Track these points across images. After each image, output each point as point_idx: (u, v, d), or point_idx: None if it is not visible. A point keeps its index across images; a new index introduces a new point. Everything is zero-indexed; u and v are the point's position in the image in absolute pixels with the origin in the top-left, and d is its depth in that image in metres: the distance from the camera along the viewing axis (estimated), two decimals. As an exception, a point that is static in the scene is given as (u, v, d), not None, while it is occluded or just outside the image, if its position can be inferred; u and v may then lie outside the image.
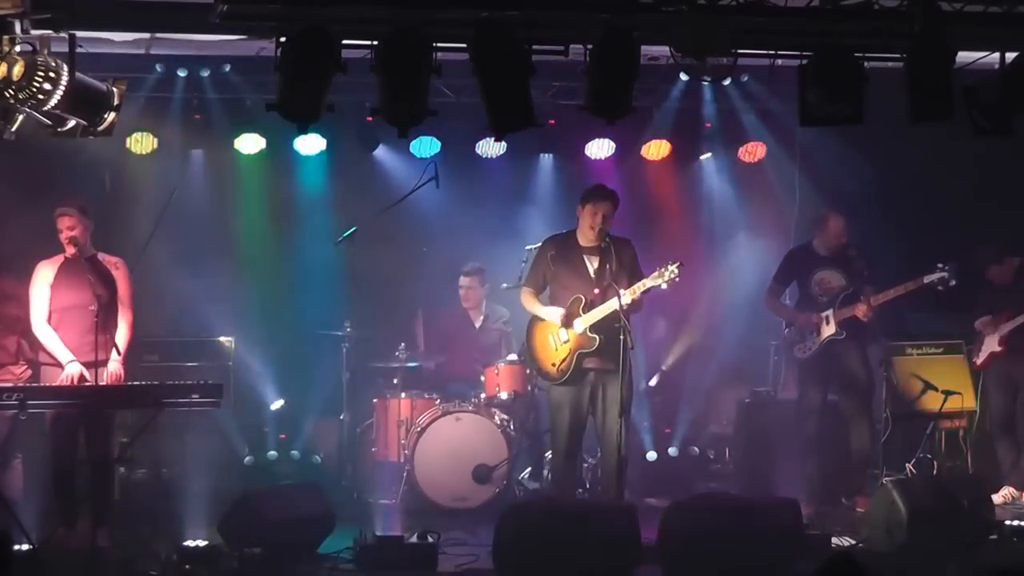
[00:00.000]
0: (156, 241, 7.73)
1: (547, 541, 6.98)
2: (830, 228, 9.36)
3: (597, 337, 8.04)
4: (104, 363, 7.70)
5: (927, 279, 9.04)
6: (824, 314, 9.20)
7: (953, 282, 9.00)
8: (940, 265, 9.01)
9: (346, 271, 10.12)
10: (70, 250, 7.86)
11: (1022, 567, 7.00)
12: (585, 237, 8.20)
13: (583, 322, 8.12)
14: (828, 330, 9.19)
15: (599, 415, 8.17)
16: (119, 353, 7.84)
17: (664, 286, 7.98)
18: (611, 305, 7.94)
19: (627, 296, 7.89)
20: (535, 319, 8.31)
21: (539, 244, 8.53)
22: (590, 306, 8.10)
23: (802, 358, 9.35)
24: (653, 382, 10.58)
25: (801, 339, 9.33)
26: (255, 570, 7.24)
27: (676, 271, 7.92)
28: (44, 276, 7.93)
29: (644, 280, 7.97)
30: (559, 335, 8.19)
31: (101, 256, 8.00)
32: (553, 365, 8.21)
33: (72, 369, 7.74)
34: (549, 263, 8.26)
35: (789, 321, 9.47)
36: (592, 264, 8.18)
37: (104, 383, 7.64)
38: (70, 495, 7.79)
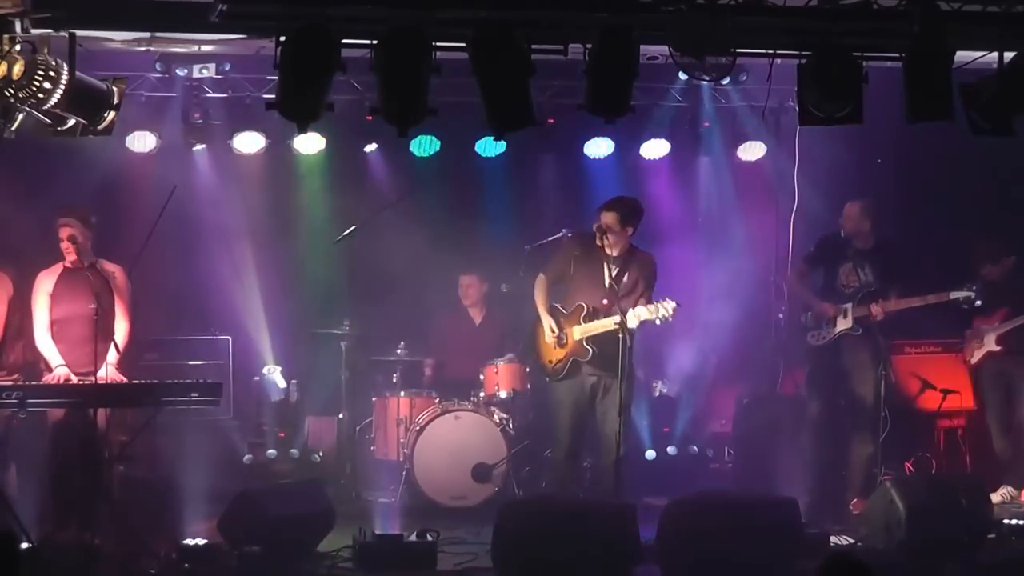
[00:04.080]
0: (155, 240, 7.73)
1: (546, 540, 6.99)
2: (845, 214, 9.36)
3: (591, 349, 8.18)
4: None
5: (953, 295, 9.03)
6: (844, 307, 9.18)
7: (979, 303, 9.00)
8: (968, 284, 9.01)
9: (345, 270, 10.14)
10: (70, 258, 7.85)
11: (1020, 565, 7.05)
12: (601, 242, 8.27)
13: (581, 331, 8.20)
14: (844, 323, 9.15)
15: (599, 415, 8.24)
16: (118, 352, 7.84)
17: (657, 322, 8.07)
18: (610, 323, 8.01)
19: (633, 320, 7.99)
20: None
21: (562, 235, 8.67)
22: (592, 316, 8.17)
23: (814, 346, 9.32)
24: (664, 389, 10.59)
25: (816, 327, 9.29)
26: (254, 568, 7.25)
27: (671, 313, 8.00)
28: (44, 287, 7.92)
29: (641, 310, 8.03)
30: (560, 337, 8.27)
31: (101, 264, 8.00)
32: (550, 362, 8.39)
33: (59, 372, 7.75)
34: (571, 262, 8.36)
35: (807, 306, 9.43)
36: (611, 273, 8.23)
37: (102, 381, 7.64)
38: (69, 495, 7.77)
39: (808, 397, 9.50)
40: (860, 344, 9.18)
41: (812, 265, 9.57)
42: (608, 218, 8.22)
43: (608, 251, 8.25)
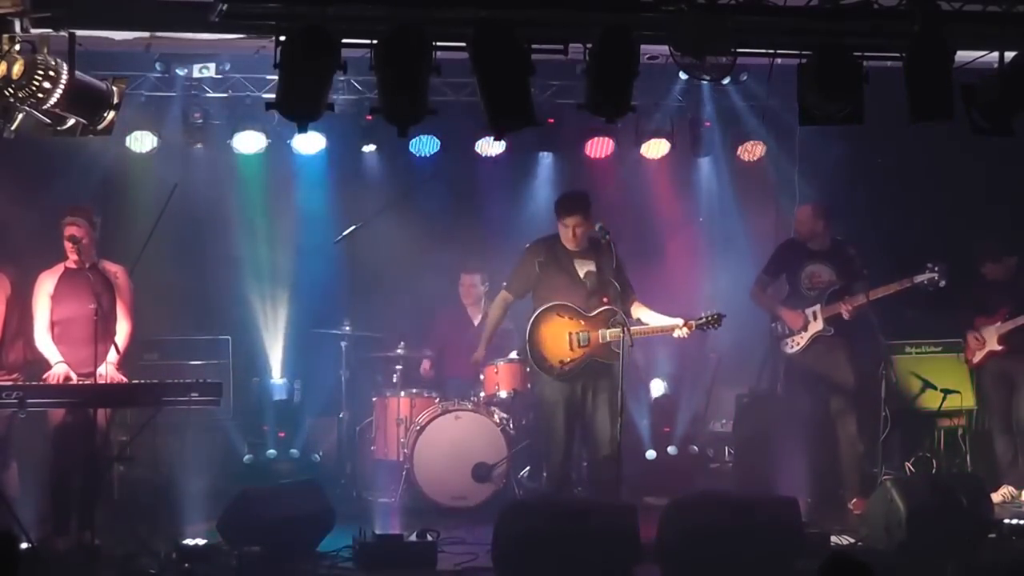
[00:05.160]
0: (156, 239, 7.73)
1: (546, 540, 6.99)
2: (797, 218, 9.42)
3: (620, 353, 8.03)
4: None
5: (917, 279, 9.04)
6: (811, 310, 9.18)
7: (943, 283, 8.99)
8: (930, 265, 9.01)
9: (345, 269, 10.14)
10: (72, 258, 7.84)
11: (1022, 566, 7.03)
12: (569, 243, 8.25)
13: (608, 335, 8.15)
14: (816, 326, 9.17)
15: (589, 412, 8.23)
16: (118, 352, 7.83)
17: (705, 330, 8.27)
18: (617, 332, 7.99)
19: (683, 331, 8.20)
20: (548, 311, 8.26)
21: (525, 248, 8.55)
22: (618, 320, 8.11)
23: (790, 353, 9.33)
24: (661, 391, 10.58)
25: (789, 334, 9.30)
26: (254, 568, 7.25)
27: (716, 322, 8.22)
28: (45, 288, 7.90)
29: (692, 321, 8.22)
30: (580, 337, 8.18)
31: (103, 265, 7.99)
32: (560, 362, 8.23)
33: (58, 369, 7.74)
34: (537, 269, 8.31)
35: (774, 315, 9.45)
36: (582, 269, 8.22)
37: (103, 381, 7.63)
38: (69, 495, 7.76)
39: (791, 404, 9.47)
40: (835, 344, 9.18)
41: (772, 275, 9.55)
42: (576, 220, 8.20)
43: (571, 248, 8.26)
